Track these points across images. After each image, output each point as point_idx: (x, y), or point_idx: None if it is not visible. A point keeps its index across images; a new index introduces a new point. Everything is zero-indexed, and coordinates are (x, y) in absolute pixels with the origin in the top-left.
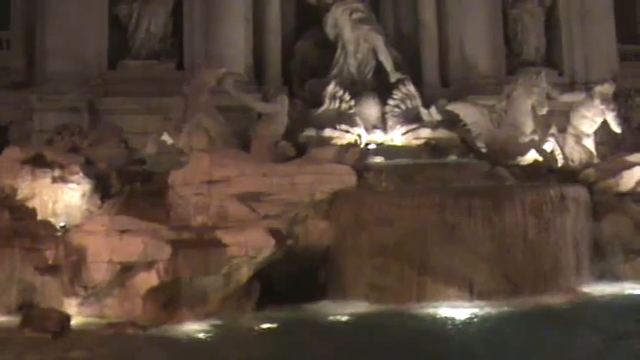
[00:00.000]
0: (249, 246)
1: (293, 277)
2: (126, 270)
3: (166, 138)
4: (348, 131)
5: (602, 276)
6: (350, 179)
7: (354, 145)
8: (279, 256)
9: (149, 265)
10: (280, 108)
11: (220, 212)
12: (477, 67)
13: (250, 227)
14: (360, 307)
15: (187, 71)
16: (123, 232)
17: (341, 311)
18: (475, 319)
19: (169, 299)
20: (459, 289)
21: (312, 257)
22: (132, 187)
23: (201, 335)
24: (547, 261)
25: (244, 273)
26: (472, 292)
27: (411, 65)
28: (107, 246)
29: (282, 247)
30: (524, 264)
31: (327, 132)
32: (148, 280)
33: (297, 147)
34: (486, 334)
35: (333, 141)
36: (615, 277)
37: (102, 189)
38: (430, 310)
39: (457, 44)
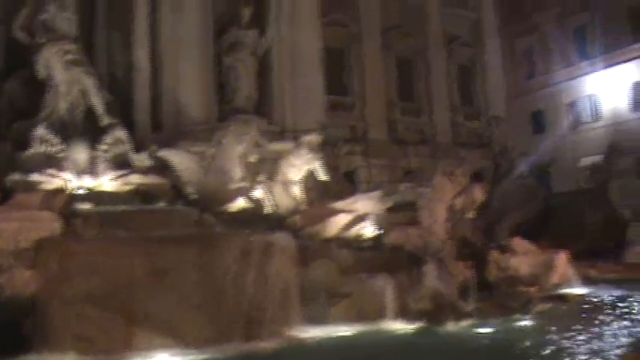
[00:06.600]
0: None
1: None
2: None
3: None
4: (56, 176)
5: (312, 320)
6: (55, 226)
7: (62, 190)
8: None
9: None
10: None
11: None
12: (190, 113)
13: None
14: (67, 359)
15: None
16: None
17: None
18: None
19: None
20: (168, 338)
21: (18, 308)
22: None
23: None
24: (256, 307)
25: None
26: (182, 340)
27: (125, 108)
28: None
29: None
30: (234, 311)
31: (35, 176)
32: None
33: (4, 192)
34: None
35: (41, 186)
36: (324, 321)
37: None
38: None
39: (171, 89)
